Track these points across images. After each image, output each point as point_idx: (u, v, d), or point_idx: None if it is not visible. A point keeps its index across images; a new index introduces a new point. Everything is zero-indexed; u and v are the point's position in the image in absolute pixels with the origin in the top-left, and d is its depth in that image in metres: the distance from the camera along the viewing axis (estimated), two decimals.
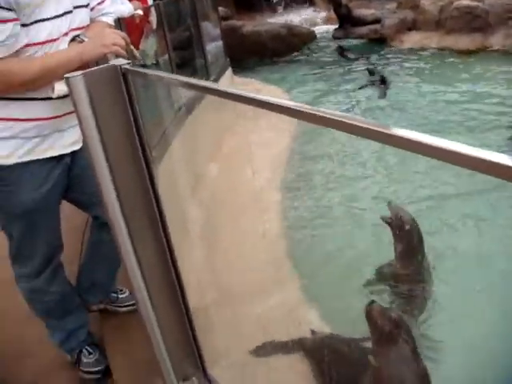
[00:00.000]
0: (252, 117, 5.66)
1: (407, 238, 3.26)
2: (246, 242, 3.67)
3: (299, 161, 5.55)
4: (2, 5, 1.64)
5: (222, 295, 3.07)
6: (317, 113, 0.70)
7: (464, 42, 9.28)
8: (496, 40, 9.12)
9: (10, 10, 1.67)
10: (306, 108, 0.73)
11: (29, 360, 2.56)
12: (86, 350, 2.40)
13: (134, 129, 1.16)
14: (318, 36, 11.40)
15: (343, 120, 0.66)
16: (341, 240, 3.94)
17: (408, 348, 2.34)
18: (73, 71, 1.07)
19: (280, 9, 14.43)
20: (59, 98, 1.82)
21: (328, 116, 0.69)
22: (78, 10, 1.91)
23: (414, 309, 3.16)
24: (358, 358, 2.62)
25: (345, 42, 11.02)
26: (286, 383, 2.65)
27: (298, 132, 6.09)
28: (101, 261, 2.43)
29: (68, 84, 1.11)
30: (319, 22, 13.60)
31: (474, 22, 9.29)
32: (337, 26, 11.36)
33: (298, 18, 13.69)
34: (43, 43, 1.80)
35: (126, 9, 3.86)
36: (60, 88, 1.78)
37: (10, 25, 1.67)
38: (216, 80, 6.40)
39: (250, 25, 11.26)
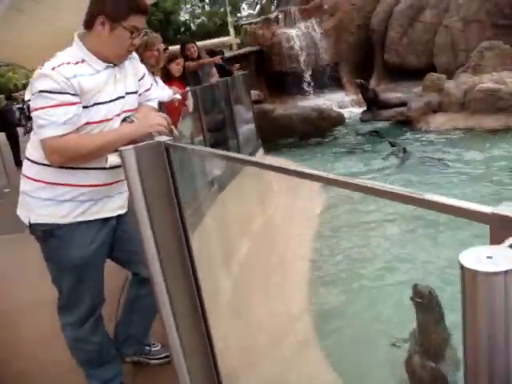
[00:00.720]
0: (279, 192, 5.96)
1: (431, 315, 3.36)
2: (271, 312, 3.83)
3: (328, 233, 5.75)
4: (71, 91, 2.01)
5: (247, 357, 3.22)
6: (343, 179, 0.84)
7: (488, 122, 9.60)
8: None
9: (75, 94, 2.04)
10: (334, 176, 0.86)
11: None
12: None
13: (174, 196, 1.39)
14: (346, 118, 11.86)
15: (366, 185, 0.79)
16: (365, 311, 4.04)
17: None
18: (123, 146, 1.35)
19: (311, 92, 15.16)
20: (111, 168, 2.13)
21: (350, 181, 0.82)
22: (129, 95, 2.26)
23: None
24: None
25: (370, 125, 11.49)
26: None
27: (326, 207, 6.35)
28: (136, 315, 2.64)
29: (121, 156, 1.39)
30: (348, 105, 14.22)
31: (497, 103, 9.65)
32: (365, 109, 11.88)
33: (327, 101, 14.32)
34: (99, 122, 2.13)
35: (166, 94, 4.36)
36: (112, 159, 2.08)
37: (74, 107, 2.04)
38: None
39: (281, 108, 11.85)
